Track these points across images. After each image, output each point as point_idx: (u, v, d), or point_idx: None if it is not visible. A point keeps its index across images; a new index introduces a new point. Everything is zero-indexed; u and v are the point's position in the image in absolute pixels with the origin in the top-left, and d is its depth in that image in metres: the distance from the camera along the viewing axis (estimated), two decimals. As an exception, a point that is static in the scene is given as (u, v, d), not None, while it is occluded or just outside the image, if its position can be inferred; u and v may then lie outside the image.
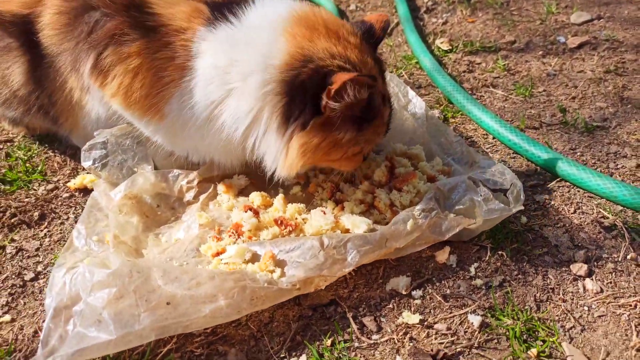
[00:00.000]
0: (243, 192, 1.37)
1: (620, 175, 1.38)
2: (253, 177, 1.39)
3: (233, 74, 1.11)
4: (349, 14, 2.45)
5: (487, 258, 1.15)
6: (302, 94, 1.08)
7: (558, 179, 1.37)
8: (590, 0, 2.34)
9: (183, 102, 1.18)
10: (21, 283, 1.20)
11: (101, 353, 0.92)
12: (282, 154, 1.11)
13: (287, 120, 1.09)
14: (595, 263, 1.13)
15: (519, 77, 1.87)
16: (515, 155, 1.48)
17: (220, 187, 1.35)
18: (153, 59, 1.16)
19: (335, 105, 1.06)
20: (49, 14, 1.31)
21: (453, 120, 1.66)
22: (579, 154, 1.47)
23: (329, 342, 1.00)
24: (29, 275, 1.21)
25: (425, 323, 1.02)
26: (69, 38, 1.27)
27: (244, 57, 1.10)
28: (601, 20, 2.18)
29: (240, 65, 1.11)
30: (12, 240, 1.31)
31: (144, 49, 1.16)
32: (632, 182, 1.35)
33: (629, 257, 1.13)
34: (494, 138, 1.56)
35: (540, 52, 2.00)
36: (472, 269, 1.13)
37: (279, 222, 1.18)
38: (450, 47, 2.06)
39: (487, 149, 1.53)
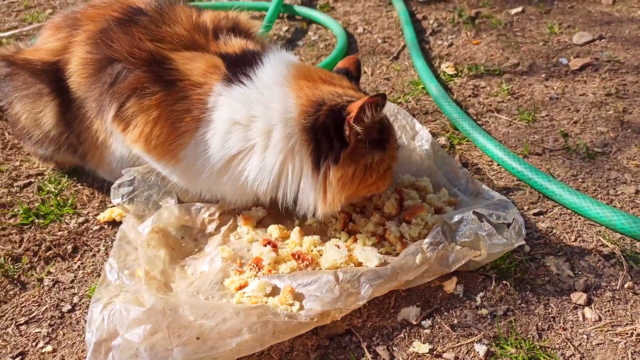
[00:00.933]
0: (261, 222, 1.46)
1: (619, 202, 1.45)
2: (270, 208, 1.48)
3: (253, 130, 1.20)
4: (357, 36, 2.53)
5: (492, 287, 1.23)
6: (325, 134, 1.20)
7: (560, 207, 1.44)
8: (592, 20, 2.40)
9: (198, 150, 1.28)
10: (59, 314, 1.30)
11: (139, 385, 1.02)
12: (320, 194, 1.23)
13: (318, 162, 1.21)
14: (594, 292, 1.20)
15: (523, 101, 1.94)
16: (519, 182, 1.56)
17: (240, 220, 1.44)
18: (171, 110, 1.26)
19: (358, 130, 1.18)
20: (76, 63, 1.41)
21: (459, 147, 1.74)
22: (580, 180, 1.54)
23: (345, 371, 1.09)
24: (66, 307, 1.31)
25: (435, 352, 1.10)
26: (93, 87, 1.37)
27: (261, 115, 1.21)
28: (603, 40, 2.25)
29: (259, 121, 1.21)
30: (49, 272, 1.41)
31: (163, 101, 1.25)
32: (632, 209, 1.42)
33: (626, 285, 1.20)
34: (498, 165, 1.63)
35: (543, 75, 2.07)
36: (478, 299, 1.20)
37: (297, 256, 1.26)
38: (456, 72, 2.13)
39: (492, 176, 1.60)
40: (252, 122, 1.22)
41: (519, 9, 2.56)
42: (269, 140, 1.22)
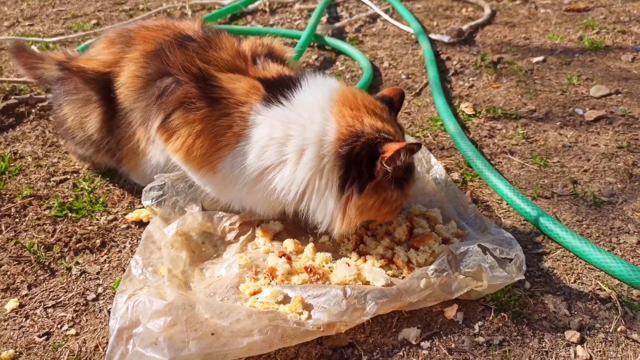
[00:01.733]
0: (278, 236, 1.55)
1: (621, 251, 1.51)
2: (287, 224, 1.57)
3: (289, 147, 1.31)
4: (382, 70, 2.66)
5: (491, 318, 1.29)
6: (357, 164, 1.29)
7: (562, 249, 1.51)
8: (610, 75, 2.49)
9: (235, 163, 1.38)
10: (84, 302, 1.39)
11: (155, 372, 1.10)
12: (339, 215, 1.33)
13: (343, 186, 1.30)
14: (588, 332, 1.26)
15: (536, 145, 2.02)
16: (525, 222, 1.63)
17: (258, 231, 1.53)
18: (213, 125, 1.37)
19: (388, 169, 1.28)
20: (126, 76, 1.54)
21: (471, 183, 1.82)
22: (584, 226, 1.61)
23: (345, 380, 1.16)
24: (91, 296, 1.41)
25: (431, 372, 1.17)
26: (141, 98, 1.49)
27: (298, 134, 1.31)
28: (619, 95, 2.33)
29: (295, 140, 1.31)
30: (77, 263, 1.51)
31: (207, 116, 1.37)
32: (632, 258, 1.48)
33: (619, 329, 1.26)
34: (507, 204, 1.71)
35: (558, 123, 2.15)
36: (477, 327, 1.27)
37: (309, 269, 1.35)
38: (474, 112, 2.23)
39: (500, 214, 1.68)
40: (288, 140, 1.32)
41: (541, 58, 2.67)
42: (302, 157, 1.32)
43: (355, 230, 1.43)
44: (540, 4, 3.34)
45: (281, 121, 1.34)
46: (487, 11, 3.17)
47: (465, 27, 2.94)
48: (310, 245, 1.46)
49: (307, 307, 1.25)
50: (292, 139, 1.32)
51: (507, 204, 1.71)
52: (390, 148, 1.26)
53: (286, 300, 1.28)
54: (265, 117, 1.35)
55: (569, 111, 2.23)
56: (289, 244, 1.47)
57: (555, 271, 1.44)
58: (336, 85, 1.42)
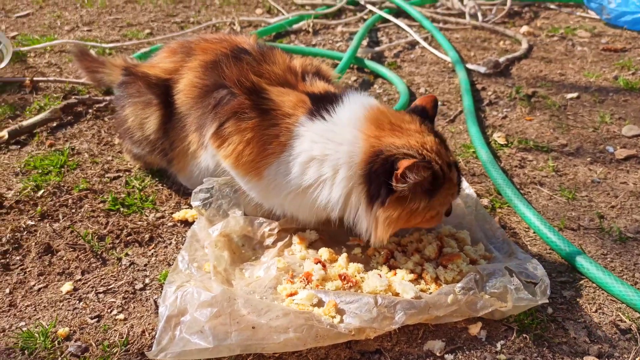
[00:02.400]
0: (313, 245, 1.65)
1: (643, 285, 1.56)
2: (322, 234, 1.67)
3: (325, 167, 1.43)
4: (418, 96, 2.75)
5: (513, 338, 1.36)
6: (377, 180, 1.39)
7: (585, 279, 1.57)
8: (643, 116, 2.54)
9: (279, 171, 1.49)
10: (132, 290, 1.51)
11: (199, 356, 1.20)
12: (373, 227, 1.43)
13: (371, 201, 1.40)
14: (606, 359, 1.31)
15: (566, 179, 2.08)
16: (551, 251, 1.69)
17: (295, 239, 1.63)
18: (263, 134, 1.49)
19: (402, 186, 1.36)
20: (185, 84, 1.68)
21: (500, 210, 1.89)
22: (609, 259, 1.66)
23: (371, 383, 1.24)
24: (139, 285, 1.52)
25: (453, 383, 1.24)
26: (197, 106, 1.63)
27: (333, 153, 1.42)
28: (651, 136, 2.38)
29: (331, 159, 1.43)
30: (127, 254, 1.64)
31: (257, 125, 1.48)
32: (654, 294, 1.53)
33: (637, 359, 1.31)
34: (534, 233, 1.77)
35: (589, 159, 2.21)
36: (499, 345, 1.34)
37: (343, 277, 1.44)
38: (506, 142, 2.31)
39: (527, 241, 1.74)
40: (325, 159, 1.43)
41: (575, 95, 2.73)
42: (336, 178, 1.43)
43: (389, 239, 1.50)
44: (578, 42, 3.40)
45: (320, 136, 1.44)
46: (525, 45, 3.25)
47: (502, 59, 3.02)
48: (344, 255, 1.55)
49: (340, 311, 1.34)
50: (328, 158, 1.43)
51: (534, 233, 1.77)
52: (402, 165, 1.32)
53: (320, 303, 1.37)
54: (307, 129, 1.46)
55: (599, 148, 2.28)
56: (324, 252, 1.56)
57: (577, 300, 1.50)
58: (369, 104, 1.52)
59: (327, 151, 1.44)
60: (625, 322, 1.43)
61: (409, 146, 1.42)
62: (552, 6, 3.99)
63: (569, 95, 2.73)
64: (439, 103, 2.67)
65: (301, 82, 1.65)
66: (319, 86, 1.65)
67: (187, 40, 1.85)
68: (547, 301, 1.35)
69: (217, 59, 1.63)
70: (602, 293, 1.53)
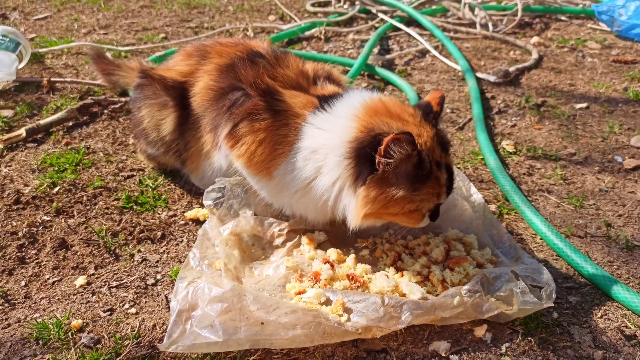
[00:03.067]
0: (321, 246, 1.67)
1: (649, 293, 1.57)
2: (330, 235, 1.69)
3: (320, 155, 1.45)
4: (428, 103, 2.78)
5: (518, 341, 1.37)
6: (365, 157, 1.38)
7: (591, 286, 1.58)
8: (652, 126, 2.55)
9: (287, 170, 1.52)
10: (144, 286, 1.54)
11: (209, 350, 1.23)
12: (352, 205, 1.42)
13: (356, 181, 1.40)
14: (611, 364, 1.32)
15: (574, 187, 2.10)
16: (557, 257, 1.70)
17: (304, 239, 1.66)
18: (274, 134, 1.52)
19: (386, 161, 1.34)
20: (201, 86, 1.72)
21: (507, 216, 1.91)
22: (615, 267, 1.67)
23: (377, 381, 1.26)
24: (151, 281, 1.56)
25: (457, 383, 1.26)
26: (212, 108, 1.66)
27: (327, 142, 1.44)
28: (660, 147, 2.38)
29: (325, 148, 1.44)
30: (139, 251, 1.67)
31: (270, 126, 1.52)
32: (660, 302, 1.54)
33: (642, 365, 1.32)
34: (541, 239, 1.78)
35: (597, 168, 2.22)
36: (504, 348, 1.35)
37: (350, 277, 1.46)
38: (515, 150, 2.33)
39: (533, 247, 1.76)
40: (320, 148, 1.45)
41: (584, 105, 2.74)
42: (327, 162, 1.44)
43: (364, 223, 1.46)
44: (588, 53, 3.42)
45: (319, 129, 1.47)
46: (535, 55, 3.27)
47: (512, 68, 3.05)
48: (352, 256, 1.57)
49: (347, 310, 1.36)
50: (322, 146, 1.44)
51: (540, 239, 1.79)
52: (385, 139, 1.30)
53: (328, 302, 1.39)
54: (311, 126, 1.49)
55: (608, 158, 2.30)
56: (332, 253, 1.59)
57: (583, 305, 1.51)
58: (369, 96, 1.52)
59: (322, 141, 1.46)
60: (630, 328, 1.43)
61: (402, 129, 1.39)
62: (563, 17, 4.01)
63: (579, 106, 2.74)
64: (449, 110, 2.70)
65: (313, 85, 1.69)
66: (330, 89, 1.68)
67: (203, 43, 1.90)
68: (553, 305, 1.36)
69: (233, 62, 1.67)
70: (608, 299, 1.54)
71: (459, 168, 2.19)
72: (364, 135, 1.40)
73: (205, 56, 1.79)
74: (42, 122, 2.29)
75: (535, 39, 3.61)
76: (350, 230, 1.48)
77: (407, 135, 1.31)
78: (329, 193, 1.47)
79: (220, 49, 1.79)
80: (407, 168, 1.37)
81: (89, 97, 2.52)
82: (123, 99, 2.52)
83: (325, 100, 1.55)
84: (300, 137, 1.50)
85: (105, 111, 2.48)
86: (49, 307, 1.46)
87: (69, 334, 1.36)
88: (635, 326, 1.44)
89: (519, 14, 3.79)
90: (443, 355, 1.33)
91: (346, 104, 1.51)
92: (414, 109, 1.50)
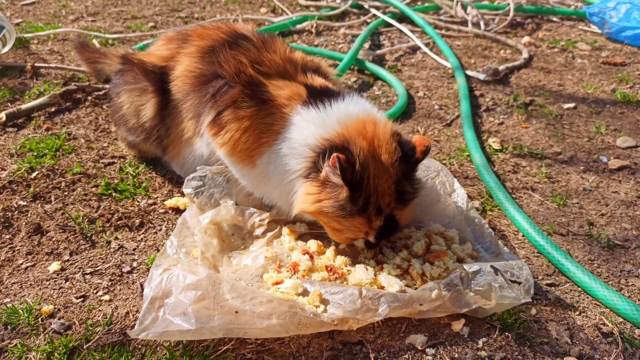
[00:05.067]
0: (302, 237, 1.65)
1: (628, 292, 1.57)
2: (312, 227, 1.67)
3: (299, 143, 1.45)
4: (417, 99, 2.77)
5: (495, 336, 1.36)
6: (323, 160, 1.39)
7: (571, 284, 1.57)
8: (638, 128, 2.55)
9: (270, 159, 1.50)
10: (119, 273, 1.51)
11: (181, 338, 1.21)
12: (297, 195, 1.45)
13: (308, 174, 1.42)
14: (587, 360, 1.32)
15: (558, 186, 2.09)
16: (538, 255, 1.70)
17: (285, 230, 1.64)
18: (259, 123, 1.50)
19: (327, 174, 1.37)
20: (181, 70, 1.69)
21: (490, 213, 1.90)
22: (595, 265, 1.67)
23: (351, 373, 1.24)
24: (126, 269, 1.53)
25: (432, 376, 1.24)
26: (194, 94, 1.63)
27: (310, 133, 1.44)
28: (645, 148, 2.39)
29: (306, 138, 1.44)
30: (116, 238, 1.64)
31: (255, 114, 1.50)
32: (638, 301, 1.53)
33: (617, 362, 1.32)
34: (523, 236, 1.78)
35: (582, 167, 2.22)
36: (480, 342, 1.34)
37: (329, 269, 1.44)
38: (501, 147, 2.32)
39: (515, 244, 1.75)
40: (304, 139, 1.45)
41: (572, 105, 2.74)
42: (301, 151, 1.45)
43: (299, 215, 1.52)
44: (578, 55, 3.42)
45: (308, 122, 1.46)
46: (525, 55, 3.27)
47: (501, 67, 3.04)
48: (332, 248, 1.55)
49: (324, 301, 1.34)
50: (306, 137, 1.44)
51: (522, 236, 1.78)
52: (332, 157, 1.31)
53: (305, 293, 1.37)
54: (300, 117, 1.47)
55: (593, 157, 2.30)
56: (312, 244, 1.57)
57: (562, 302, 1.50)
58: (369, 111, 1.51)
59: (306, 132, 1.45)
60: (607, 325, 1.43)
61: (365, 155, 1.39)
62: (554, 19, 4.02)
63: (566, 105, 2.74)
64: (437, 107, 2.69)
65: (301, 73, 1.66)
66: (318, 81, 1.66)
67: (185, 28, 1.87)
68: (531, 300, 1.35)
69: (214, 45, 1.64)
70: (587, 297, 1.53)
71: (444, 164, 2.18)
72: (337, 141, 1.40)
73: (186, 40, 1.76)
74: (23, 106, 2.25)
75: (526, 39, 3.61)
76: (289, 215, 1.52)
77: (340, 157, 1.30)
78: (293, 179, 1.47)
79: (202, 32, 1.75)
80: (340, 195, 1.38)
81: (73, 84, 2.48)
82: (107, 86, 2.48)
83: (317, 95, 1.53)
84: (287, 127, 1.48)
85: (89, 98, 2.44)
86: (20, 292, 1.43)
87: (39, 319, 1.33)
88: (612, 324, 1.44)
89: (511, 13, 3.79)
90: (419, 348, 1.31)
91: (343, 109, 1.49)
92: (396, 146, 1.44)
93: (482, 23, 3.72)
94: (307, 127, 1.46)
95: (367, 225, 1.43)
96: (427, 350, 1.31)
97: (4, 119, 2.15)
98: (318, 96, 1.50)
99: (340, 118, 1.46)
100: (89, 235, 1.65)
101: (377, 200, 1.40)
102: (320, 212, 1.43)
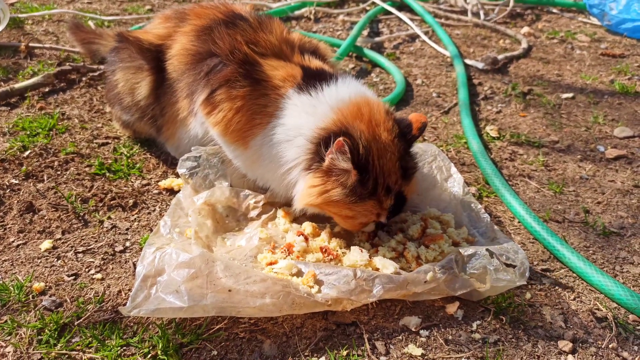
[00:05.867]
0: (297, 220, 1.64)
1: (623, 279, 1.56)
2: (314, 220, 1.65)
3: (294, 132, 1.43)
4: (415, 87, 2.75)
5: (489, 319, 1.36)
6: (326, 147, 1.37)
7: (566, 269, 1.57)
8: (636, 119, 2.55)
9: (264, 141, 1.49)
10: (112, 252, 1.50)
11: (173, 315, 1.20)
12: (299, 189, 1.42)
13: (309, 166, 1.40)
14: (580, 344, 1.31)
15: (555, 174, 2.09)
16: (534, 241, 1.69)
17: (280, 212, 1.63)
18: (253, 103, 1.48)
19: (332, 162, 1.34)
20: (177, 49, 1.67)
21: (487, 199, 1.89)
22: (591, 252, 1.67)
23: (344, 353, 1.23)
24: (119, 248, 1.51)
25: (426, 357, 1.24)
26: (189, 72, 1.61)
27: (304, 122, 1.42)
28: (642, 138, 2.39)
29: (300, 127, 1.42)
30: (109, 218, 1.63)
31: (249, 94, 1.48)
32: (633, 287, 1.53)
33: (611, 346, 1.31)
34: (519, 222, 1.77)
35: (579, 156, 2.21)
36: (474, 325, 1.34)
37: (324, 250, 1.43)
38: (498, 135, 2.31)
39: (511, 230, 1.74)
40: (297, 127, 1.43)
41: (570, 95, 2.73)
42: (297, 139, 1.42)
43: (305, 209, 1.49)
44: (577, 45, 3.41)
45: (301, 109, 1.44)
46: (524, 45, 3.25)
47: (500, 57, 3.02)
48: (327, 230, 1.54)
49: (319, 282, 1.33)
50: (299, 126, 1.42)
51: (518, 222, 1.78)
52: (337, 142, 1.31)
53: (299, 274, 1.36)
54: (293, 102, 1.45)
55: (590, 147, 2.29)
56: (307, 226, 1.55)
57: (556, 287, 1.50)
58: (361, 92, 1.49)
59: (300, 120, 1.43)
60: (602, 310, 1.43)
61: (368, 139, 1.37)
62: (554, 10, 4.00)
63: (565, 95, 2.73)
64: (435, 94, 2.67)
65: (298, 54, 1.64)
66: (315, 63, 1.64)
67: (182, 7, 1.84)
68: (526, 283, 1.35)
69: (211, 25, 1.62)
70: (582, 283, 1.53)
71: (442, 150, 2.17)
72: (335, 129, 1.38)
73: (183, 19, 1.73)
74: (16, 86, 2.22)
75: (525, 29, 3.59)
76: (296, 210, 1.49)
77: (345, 141, 1.28)
78: (289, 167, 1.45)
79: (199, 11, 1.73)
80: (349, 180, 1.36)
81: (68, 64, 2.45)
82: (102, 67, 2.45)
83: (311, 76, 1.50)
84: (280, 111, 1.46)
85: (84, 78, 2.41)
86: (11, 270, 1.41)
87: (30, 296, 1.32)
88: (606, 309, 1.43)
89: (511, 3, 3.77)
90: (413, 330, 1.31)
91: (335, 93, 1.46)
92: (393, 124, 1.44)
93: (481, 13, 3.69)
94: (300, 115, 1.44)
95: (379, 207, 1.42)
96: (421, 331, 1.30)
97: (-4, 97, 2.12)
98: (311, 79, 1.48)
99: (333, 104, 1.44)
100: (81, 214, 1.63)
101: (385, 180, 1.39)
102: (329, 203, 1.40)
